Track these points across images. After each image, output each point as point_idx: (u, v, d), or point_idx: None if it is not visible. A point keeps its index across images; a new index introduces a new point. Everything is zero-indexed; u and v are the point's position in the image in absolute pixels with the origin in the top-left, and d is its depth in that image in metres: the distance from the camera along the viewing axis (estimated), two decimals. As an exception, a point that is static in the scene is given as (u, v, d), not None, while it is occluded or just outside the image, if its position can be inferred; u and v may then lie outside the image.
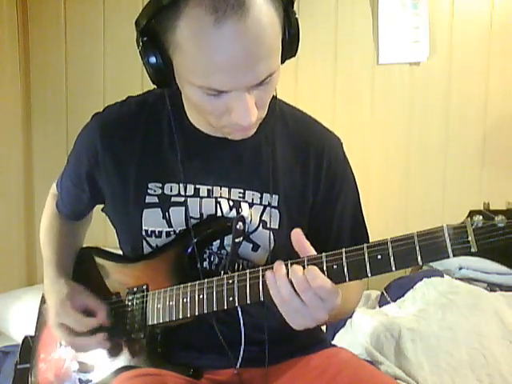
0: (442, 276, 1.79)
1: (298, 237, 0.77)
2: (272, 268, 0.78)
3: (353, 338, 1.56)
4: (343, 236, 0.99)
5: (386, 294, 1.84)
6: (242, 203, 0.93)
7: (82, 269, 1.08)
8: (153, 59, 0.78)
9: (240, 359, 0.94)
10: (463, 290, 1.67)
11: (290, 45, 0.79)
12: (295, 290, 0.74)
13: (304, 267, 0.75)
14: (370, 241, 1.02)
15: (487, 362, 1.38)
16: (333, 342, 1.09)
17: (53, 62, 2.44)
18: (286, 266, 0.77)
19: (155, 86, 0.99)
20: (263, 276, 0.79)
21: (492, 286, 1.78)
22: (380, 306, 1.83)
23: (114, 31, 2.35)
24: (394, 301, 1.80)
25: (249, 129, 0.84)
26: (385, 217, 2.09)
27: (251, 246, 0.93)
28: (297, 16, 0.79)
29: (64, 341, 0.97)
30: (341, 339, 1.56)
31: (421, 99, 2.06)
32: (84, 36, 2.40)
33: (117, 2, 2.33)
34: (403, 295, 1.80)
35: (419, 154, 2.09)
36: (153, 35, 0.78)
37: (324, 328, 1.17)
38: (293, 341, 0.99)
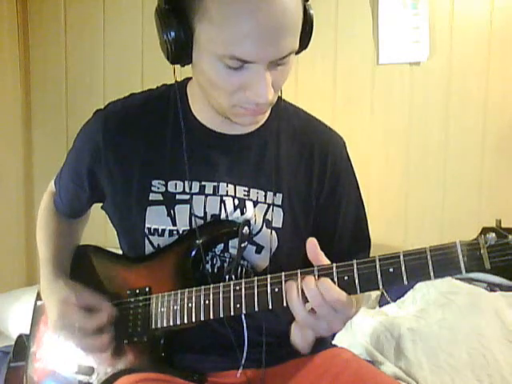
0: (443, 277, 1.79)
1: (313, 246, 0.77)
2: (280, 279, 0.78)
3: (353, 338, 1.56)
4: (345, 234, 0.99)
5: (385, 294, 1.84)
6: (246, 202, 0.92)
7: (79, 268, 1.06)
8: (174, 29, 0.77)
9: (243, 361, 0.93)
10: (463, 289, 1.67)
11: (305, 35, 0.82)
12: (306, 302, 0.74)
13: (315, 278, 0.75)
14: (371, 239, 1.03)
15: (487, 362, 1.38)
16: (333, 342, 1.08)
17: (53, 61, 2.44)
18: (296, 276, 0.76)
19: (156, 85, 1.00)
20: (271, 285, 0.79)
21: (492, 286, 1.77)
22: (380, 306, 1.83)
23: (113, 31, 2.35)
24: (394, 301, 1.80)
25: (259, 112, 0.84)
26: (385, 217, 2.09)
27: (255, 248, 0.93)
28: (312, 11, 0.82)
29: (73, 342, 0.94)
30: (341, 339, 1.55)
31: (421, 99, 2.06)
32: (84, 36, 2.40)
33: (117, 2, 2.33)
34: (403, 295, 1.80)
35: (419, 154, 2.09)
36: (175, 4, 0.78)
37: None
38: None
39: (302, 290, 0.75)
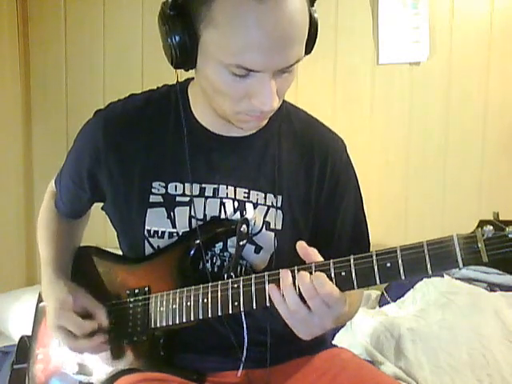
0: (442, 276, 1.79)
1: (303, 249, 0.77)
2: (277, 276, 0.77)
3: (353, 338, 1.56)
4: (344, 236, 0.99)
5: (385, 293, 1.85)
6: (246, 203, 0.92)
7: (80, 269, 1.06)
8: (180, 34, 0.77)
9: (243, 361, 0.93)
10: (463, 289, 1.67)
11: (310, 40, 0.81)
12: (302, 299, 0.73)
13: (311, 273, 0.75)
14: (370, 242, 1.03)
15: (487, 362, 1.38)
16: (333, 342, 1.08)
17: (53, 61, 2.44)
18: (293, 272, 0.76)
19: (156, 86, 1.00)
20: (269, 282, 0.78)
21: (492, 286, 1.78)
22: (380, 306, 1.83)
23: (113, 31, 2.35)
24: (394, 301, 1.80)
25: (263, 118, 0.84)
26: (385, 217, 2.09)
27: (254, 247, 0.93)
28: (316, 15, 0.81)
29: (63, 343, 0.96)
30: (341, 339, 1.56)
31: (421, 99, 2.06)
32: (84, 36, 2.40)
33: (117, 2, 2.33)
34: (403, 295, 1.80)
35: (419, 155, 2.09)
36: (181, 10, 0.77)
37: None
38: (295, 342, 0.98)
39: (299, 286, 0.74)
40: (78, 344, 0.93)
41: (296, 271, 0.76)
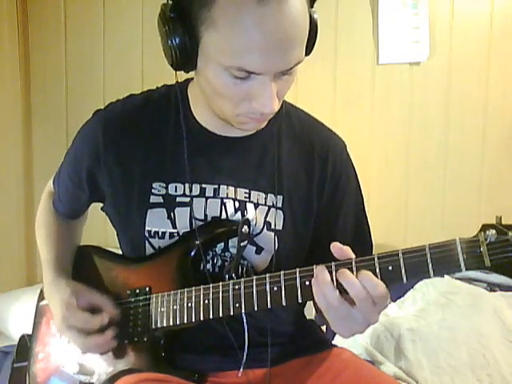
0: (442, 276, 1.79)
1: (339, 250, 0.73)
2: (278, 277, 0.77)
3: (353, 338, 1.56)
4: (346, 239, 0.96)
5: (385, 293, 1.84)
6: (247, 204, 0.92)
7: (80, 268, 1.06)
8: (180, 36, 0.77)
9: (244, 361, 0.93)
10: (463, 289, 1.67)
11: (309, 41, 0.81)
12: (341, 294, 0.71)
13: (352, 271, 0.72)
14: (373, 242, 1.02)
15: (487, 362, 1.39)
16: (333, 342, 1.08)
17: (53, 62, 2.44)
18: (329, 268, 0.73)
19: (156, 86, 1.00)
20: (270, 283, 0.78)
21: (492, 286, 1.78)
22: (380, 306, 1.82)
23: (113, 31, 2.35)
24: (394, 301, 1.80)
25: (263, 120, 0.84)
26: (385, 217, 2.09)
27: (255, 248, 0.92)
28: (316, 16, 0.81)
29: (75, 343, 0.94)
30: (341, 339, 1.56)
31: (421, 99, 2.06)
32: (84, 36, 2.40)
33: (117, 3, 2.33)
34: (403, 295, 1.80)
35: (419, 154, 2.09)
36: (181, 12, 0.77)
37: (324, 328, 1.17)
38: (295, 342, 0.99)
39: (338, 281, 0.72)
40: (91, 340, 0.92)
41: (334, 267, 0.74)
